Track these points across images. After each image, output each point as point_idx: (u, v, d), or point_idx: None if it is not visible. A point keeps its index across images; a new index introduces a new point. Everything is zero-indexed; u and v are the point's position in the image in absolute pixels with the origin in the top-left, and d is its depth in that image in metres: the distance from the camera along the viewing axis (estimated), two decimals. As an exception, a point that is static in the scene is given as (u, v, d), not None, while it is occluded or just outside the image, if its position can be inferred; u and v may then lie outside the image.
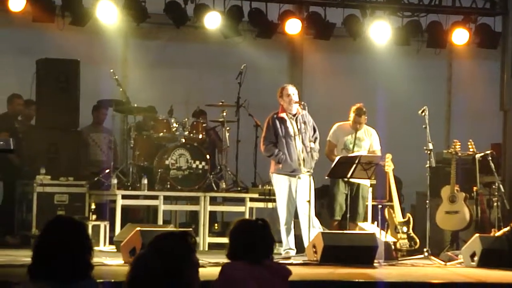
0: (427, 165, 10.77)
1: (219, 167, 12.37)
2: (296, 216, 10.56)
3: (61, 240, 3.78)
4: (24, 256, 7.29)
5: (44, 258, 3.76)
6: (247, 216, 11.74)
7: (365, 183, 11.01)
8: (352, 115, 11.14)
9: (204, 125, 12.30)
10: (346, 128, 11.21)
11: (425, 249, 10.50)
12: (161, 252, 3.49)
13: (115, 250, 10.44)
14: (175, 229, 11.07)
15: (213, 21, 12.49)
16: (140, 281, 3.50)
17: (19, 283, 4.00)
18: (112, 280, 7.32)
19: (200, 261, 8.75)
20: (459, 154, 11.58)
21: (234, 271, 4.63)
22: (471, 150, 11.60)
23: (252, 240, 4.68)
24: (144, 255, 3.56)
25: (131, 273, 3.54)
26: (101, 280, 7.31)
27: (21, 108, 12.25)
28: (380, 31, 13.04)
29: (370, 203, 11.12)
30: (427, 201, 10.82)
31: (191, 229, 10.15)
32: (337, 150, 11.15)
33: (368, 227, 10.87)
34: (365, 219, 11.09)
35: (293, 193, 10.45)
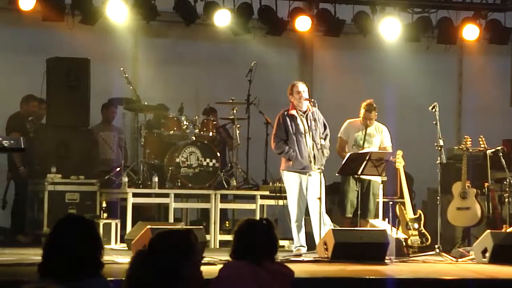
0: (438, 162, 10.76)
1: (229, 165, 12.38)
2: (307, 213, 10.55)
3: (71, 238, 3.79)
4: (35, 255, 7.32)
5: (54, 256, 3.77)
6: (257, 214, 11.77)
7: (376, 180, 11.00)
8: (362, 111, 11.13)
9: (214, 122, 12.31)
10: (356, 125, 11.19)
11: (436, 246, 10.48)
12: (157, 251, 3.47)
13: (126, 248, 10.47)
14: (180, 227, 11.08)
15: (222, 18, 12.49)
16: (137, 279, 3.51)
17: (29, 281, 4.01)
18: (123, 279, 7.32)
19: (210, 259, 8.76)
20: (470, 150, 11.55)
21: (232, 269, 4.64)
22: (482, 146, 11.57)
23: (253, 241, 4.68)
24: (141, 253, 3.57)
25: (128, 271, 3.55)
26: (112, 278, 7.31)
27: (35, 110, 12.27)
28: (390, 28, 13.03)
29: (381, 199, 11.09)
30: (438, 198, 10.81)
31: (201, 226, 10.14)
32: (348, 146, 11.14)
33: (379, 223, 10.85)
34: (376, 216, 11.07)
35: (303, 190, 10.45)
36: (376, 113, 11.16)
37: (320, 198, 10.22)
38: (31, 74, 12.30)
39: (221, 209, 11.91)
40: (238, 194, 12.27)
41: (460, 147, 11.67)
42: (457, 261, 10.11)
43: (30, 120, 12.15)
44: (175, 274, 3.49)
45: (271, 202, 11.81)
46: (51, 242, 3.82)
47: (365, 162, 10.42)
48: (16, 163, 11.98)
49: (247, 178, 12.23)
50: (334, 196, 11.80)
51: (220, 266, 7.90)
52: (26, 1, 11.68)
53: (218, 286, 4.58)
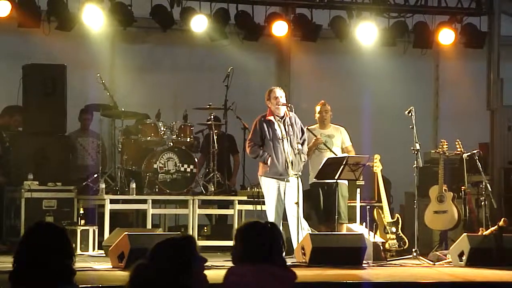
0: (415, 165, 10.81)
1: (207, 170, 12.37)
2: (284, 218, 10.57)
3: (41, 245, 3.78)
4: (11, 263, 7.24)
5: (24, 264, 3.76)
6: (236, 219, 11.76)
7: (343, 182, 10.98)
8: (317, 111, 11.24)
9: (192, 128, 12.29)
10: (314, 130, 11.25)
11: (413, 249, 10.53)
12: (158, 260, 3.45)
13: (104, 255, 10.43)
14: (169, 233, 11.08)
15: (199, 24, 12.49)
16: None
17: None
18: (100, 285, 7.31)
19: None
20: (447, 154, 11.61)
21: (237, 276, 4.58)
22: (458, 149, 11.63)
23: (258, 243, 4.60)
24: (142, 264, 3.54)
25: (130, 282, 3.52)
26: (89, 285, 7.31)
27: (16, 124, 12.17)
28: (367, 32, 13.07)
29: (358, 203, 11.13)
30: (415, 201, 10.86)
31: (179, 233, 10.12)
32: (310, 152, 11.13)
33: (356, 228, 10.89)
34: (353, 220, 11.10)
35: (281, 195, 10.46)
36: (331, 113, 11.22)
37: (297, 203, 10.24)
38: (6, 81, 12.25)
39: (199, 215, 11.89)
40: (216, 199, 12.26)
41: (437, 151, 11.73)
42: (434, 264, 10.17)
43: (4, 128, 12.10)
44: (173, 283, 3.47)
45: (249, 207, 11.81)
46: (21, 249, 3.81)
47: (342, 167, 10.45)
48: None
49: (225, 184, 12.22)
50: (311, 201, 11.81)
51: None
52: (1, 7, 11.61)
53: None
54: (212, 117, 12.17)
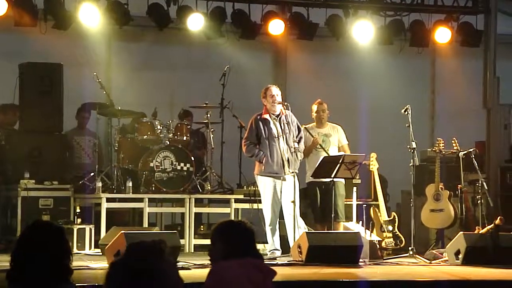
0: (411, 164, 10.82)
1: (203, 169, 12.37)
2: (281, 216, 10.57)
3: (38, 244, 3.78)
4: (8, 262, 7.25)
5: (22, 262, 3.76)
6: (232, 217, 11.74)
7: (340, 180, 11.00)
8: (314, 110, 11.26)
9: (188, 127, 12.30)
10: (311, 128, 11.26)
11: (410, 248, 10.54)
12: (126, 266, 3.43)
13: (101, 253, 10.42)
14: (165, 231, 11.08)
15: (196, 22, 12.48)
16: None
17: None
18: (96, 284, 7.31)
19: (185, 263, 8.74)
20: (443, 152, 11.62)
21: (225, 270, 4.62)
22: (454, 148, 11.64)
23: (237, 238, 4.67)
24: (113, 267, 3.53)
25: (106, 280, 3.52)
26: (85, 284, 7.31)
27: (9, 121, 12.16)
28: (363, 31, 13.08)
29: (355, 202, 11.14)
30: (412, 200, 10.87)
31: (175, 231, 10.12)
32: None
33: (353, 226, 10.90)
34: (350, 219, 11.11)
35: (278, 194, 10.47)
36: (328, 112, 11.23)
37: (294, 202, 10.24)
38: (3, 79, 12.23)
39: (195, 213, 11.90)
40: (212, 198, 12.27)
41: (433, 149, 11.74)
42: (430, 263, 10.17)
43: (1, 126, 12.09)
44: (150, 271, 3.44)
45: (246, 205, 11.82)
46: (19, 248, 3.81)
47: (338, 165, 10.46)
48: None
49: (221, 182, 12.23)
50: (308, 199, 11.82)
51: (195, 270, 7.91)
52: (-3, 6, 11.61)
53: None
54: (209, 115, 12.18)
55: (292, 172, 10.39)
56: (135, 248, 3.41)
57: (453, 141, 11.69)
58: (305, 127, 11.04)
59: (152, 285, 3.30)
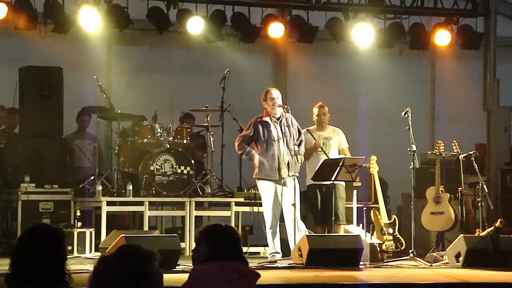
0: (411, 167, 10.82)
1: (204, 172, 12.37)
2: (281, 219, 10.57)
3: (37, 247, 3.78)
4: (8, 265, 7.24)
5: (20, 266, 3.76)
6: (233, 220, 11.77)
7: (340, 183, 11.00)
8: (315, 113, 11.26)
9: (188, 130, 12.30)
10: (313, 131, 11.27)
11: (410, 251, 10.53)
12: (121, 266, 3.43)
13: (101, 257, 10.39)
14: (165, 235, 11.06)
15: (196, 26, 12.49)
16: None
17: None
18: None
19: (185, 267, 8.71)
20: (443, 155, 11.62)
21: (204, 272, 4.65)
22: (455, 150, 11.63)
23: (221, 241, 4.72)
24: (104, 264, 3.54)
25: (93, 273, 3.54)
26: (85, 288, 7.29)
27: (3, 120, 12.19)
28: (363, 34, 13.07)
29: (355, 205, 11.13)
30: (412, 202, 10.86)
31: (176, 234, 10.11)
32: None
33: (353, 229, 10.89)
34: (350, 221, 11.11)
35: (278, 197, 10.47)
36: (329, 115, 11.23)
37: (294, 205, 10.24)
38: (3, 83, 12.24)
39: (196, 217, 11.89)
40: (213, 201, 12.27)
41: (433, 152, 11.75)
42: (431, 265, 10.17)
43: (2, 130, 12.09)
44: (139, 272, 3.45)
45: (246, 209, 11.82)
46: (17, 251, 3.81)
47: (338, 168, 10.46)
48: None
49: (221, 185, 12.23)
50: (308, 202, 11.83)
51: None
52: (-3, 10, 11.62)
53: None
54: (209, 118, 12.19)
55: (293, 175, 10.38)
56: (128, 250, 3.42)
57: (453, 144, 11.68)
58: (307, 129, 11.06)
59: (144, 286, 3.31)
